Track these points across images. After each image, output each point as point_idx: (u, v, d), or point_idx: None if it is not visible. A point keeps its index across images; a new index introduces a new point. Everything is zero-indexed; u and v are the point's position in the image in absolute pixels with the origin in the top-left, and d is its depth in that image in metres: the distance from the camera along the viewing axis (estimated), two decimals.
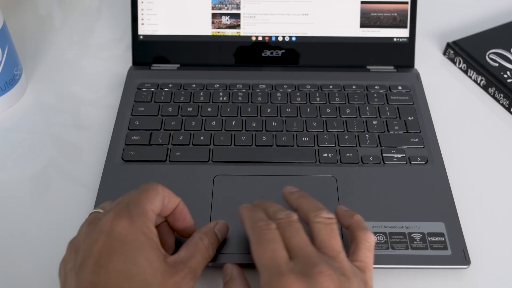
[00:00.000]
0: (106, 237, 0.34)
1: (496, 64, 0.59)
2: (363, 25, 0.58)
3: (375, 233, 0.43)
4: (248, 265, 0.42)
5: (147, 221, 0.35)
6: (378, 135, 0.51)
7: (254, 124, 0.52)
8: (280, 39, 0.58)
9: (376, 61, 0.58)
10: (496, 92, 0.57)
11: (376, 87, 0.56)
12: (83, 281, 0.32)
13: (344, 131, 0.51)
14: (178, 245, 0.40)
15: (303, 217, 0.38)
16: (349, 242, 0.39)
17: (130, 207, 0.35)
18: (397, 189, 0.46)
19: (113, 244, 0.33)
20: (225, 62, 0.59)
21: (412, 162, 0.49)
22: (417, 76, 0.58)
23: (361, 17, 0.58)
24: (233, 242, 0.42)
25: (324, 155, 0.49)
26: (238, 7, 0.58)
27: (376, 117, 0.53)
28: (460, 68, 0.61)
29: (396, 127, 0.52)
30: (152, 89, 0.56)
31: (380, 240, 0.42)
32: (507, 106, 0.56)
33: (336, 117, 0.53)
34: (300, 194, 0.40)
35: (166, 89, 0.56)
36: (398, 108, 0.54)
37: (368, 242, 0.37)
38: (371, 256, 0.37)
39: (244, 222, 0.38)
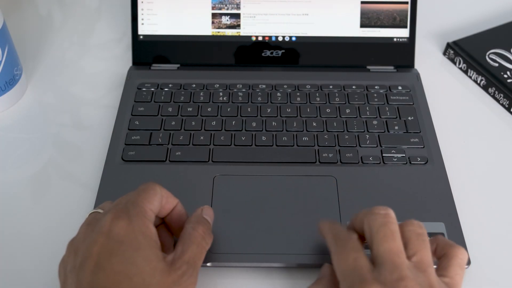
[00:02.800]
0: (105, 238, 0.34)
1: (496, 64, 0.59)
2: (363, 25, 0.58)
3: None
4: (249, 266, 0.42)
5: (146, 220, 0.35)
6: (378, 135, 0.51)
7: (254, 124, 0.52)
8: (280, 39, 0.58)
9: (376, 61, 0.58)
10: (496, 92, 0.57)
11: (376, 87, 0.56)
12: (82, 282, 0.32)
13: (344, 131, 0.51)
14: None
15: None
16: (440, 258, 0.37)
17: (128, 207, 0.35)
18: (397, 189, 0.46)
19: (111, 245, 0.33)
20: (225, 62, 0.59)
21: (412, 162, 0.49)
22: (417, 76, 0.58)
23: (361, 17, 0.58)
24: (234, 242, 0.42)
25: (324, 155, 0.49)
26: (238, 7, 0.58)
27: (376, 117, 0.53)
28: (460, 68, 0.61)
29: (396, 127, 0.52)
30: (152, 89, 0.56)
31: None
32: (507, 106, 0.56)
33: (336, 117, 0.53)
34: (357, 214, 0.38)
35: (166, 89, 0.56)
36: (398, 108, 0.54)
37: (461, 259, 0.36)
38: (462, 274, 0.35)
39: (325, 234, 0.37)
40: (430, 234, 0.43)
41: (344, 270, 0.34)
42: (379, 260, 0.33)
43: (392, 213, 0.35)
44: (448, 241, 0.38)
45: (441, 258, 0.37)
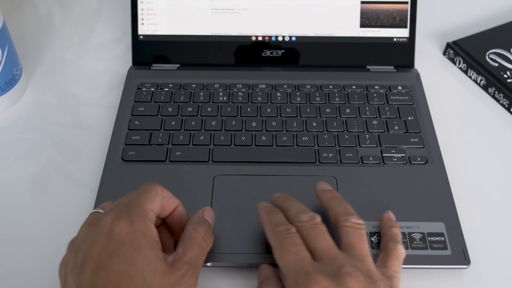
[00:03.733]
0: (105, 238, 0.34)
1: (496, 64, 0.59)
2: (363, 25, 0.58)
3: (375, 233, 0.43)
4: (250, 265, 0.42)
5: (147, 221, 0.35)
6: (378, 135, 0.51)
7: (254, 124, 0.52)
8: (280, 39, 0.58)
9: (376, 61, 0.58)
10: (496, 92, 0.57)
11: (376, 87, 0.56)
12: (83, 282, 0.32)
13: (344, 131, 0.51)
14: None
15: (332, 219, 0.39)
16: (380, 250, 0.40)
17: (129, 207, 0.35)
18: (397, 189, 0.46)
19: (112, 245, 0.33)
20: (225, 62, 0.59)
21: (412, 162, 0.49)
22: (417, 76, 0.58)
23: (361, 17, 0.58)
24: (234, 242, 0.42)
25: (324, 155, 0.49)
26: (238, 7, 0.58)
27: (376, 117, 0.53)
28: (460, 68, 0.61)
29: (396, 127, 0.52)
30: (152, 89, 0.56)
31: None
32: (507, 106, 0.56)
33: (336, 117, 0.53)
34: (333, 194, 0.41)
35: (166, 89, 0.56)
36: (398, 108, 0.54)
37: (397, 252, 0.38)
38: (399, 265, 0.38)
39: (264, 225, 0.39)
40: (430, 234, 0.43)
41: (287, 264, 0.35)
42: (318, 255, 0.35)
43: (317, 218, 0.38)
44: (393, 236, 0.40)
45: (380, 252, 0.39)
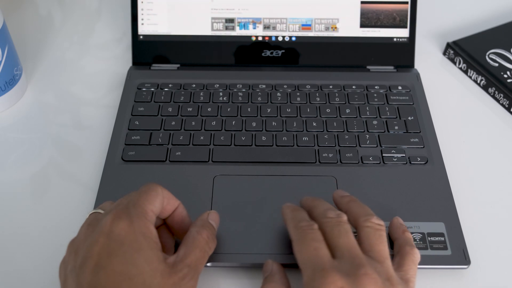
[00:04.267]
0: (105, 238, 0.34)
1: (496, 64, 0.59)
2: (363, 25, 0.58)
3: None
4: (250, 265, 0.42)
5: (147, 221, 0.35)
6: (378, 135, 0.51)
7: (254, 124, 0.52)
8: (280, 39, 0.58)
9: (376, 61, 0.58)
10: (496, 92, 0.57)
11: (376, 87, 0.56)
12: (82, 282, 0.32)
13: (344, 131, 0.51)
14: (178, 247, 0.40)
15: (352, 221, 0.38)
16: (394, 254, 0.39)
17: (129, 208, 0.35)
18: (397, 189, 0.46)
19: (112, 245, 0.33)
20: (225, 62, 0.59)
21: (412, 162, 0.49)
22: (417, 76, 0.58)
23: (361, 17, 0.58)
24: (233, 242, 0.42)
25: (324, 155, 0.49)
26: (238, 7, 0.58)
27: (376, 117, 0.53)
28: (460, 68, 0.61)
29: (396, 127, 0.52)
30: (152, 89, 0.56)
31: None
32: (507, 106, 0.56)
33: (336, 117, 0.53)
34: (351, 198, 0.41)
35: (166, 89, 0.56)
36: (398, 108, 0.54)
37: (414, 256, 0.38)
38: (415, 269, 0.38)
39: (286, 222, 0.39)
40: (430, 234, 0.43)
41: (305, 259, 0.35)
42: (338, 253, 0.35)
43: (344, 217, 0.37)
44: (407, 240, 0.40)
45: (395, 256, 0.39)
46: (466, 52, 0.61)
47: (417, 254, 0.38)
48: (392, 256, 0.39)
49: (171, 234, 0.41)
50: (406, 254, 0.38)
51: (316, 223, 0.37)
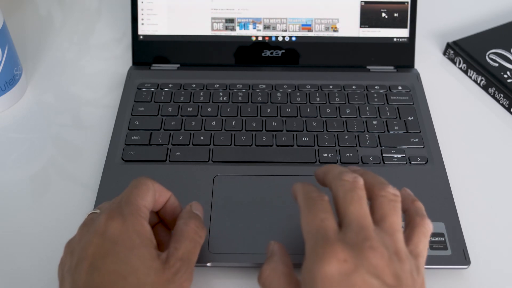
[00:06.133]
0: (99, 238, 0.34)
1: (496, 64, 0.59)
2: (363, 25, 0.58)
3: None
4: (250, 265, 0.42)
5: (140, 218, 0.35)
6: (378, 135, 0.51)
7: (254, 124, 0.52)
8: (280, 39, 0.58)
9: (376, 61, 0.58)
10: (496, 92, 0.57)
11: (376, 87, 0.56)
12: (78, 283, 0.32)
13: (344, 131, 0.51)
14: None
15: (366, 191, 0.35)
16: (405, 226, 0.36)
17: (122, 206, 0.35)
18: (397, 189, 0.46)
19: (106, 245, 0.33)
20: (225, 62, 0.59)
21: (412, 162, 0.49)
22: (417, 76, 0.58)
23: (361, 17, 0.58)
24: (233, 242, 0.42)
25: (324, 155, 0.49)
26: (238, 7, 0.58)
27: (376, 117, 0.53)
28: (460, 68, 0.61)
29: (396, 127, 0.52)
30: (152, 89, 0.56)
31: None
32: (507, 106, 0.56)
33: (336, 117, 0.53)
34: (365, 170, 0.38)
35: (166, 89, 0.56)
36: (398, 108, 0.54)
37: (425, 228, 0.35)
38: (426, 242, 0.35)
39: (297, 194, 0.36)
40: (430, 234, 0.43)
41: (310, 229, 0.33)
42: (346, 222, 0.33)
43: (360, 180, 0.35)
44: (417, 210, 0.37)
45: (406, 228, 0.36)
46: (466, 52, 0.61)
47: (428, 225, 0.36)
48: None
49: (168, 230, 0.41)
50: (416, 226, 0.35)
51: (330, 187, 0.35)
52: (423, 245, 0.35)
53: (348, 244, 0.31)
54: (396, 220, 0.34)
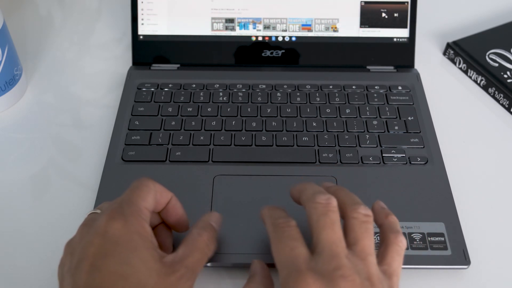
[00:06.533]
0: (100, 239, 0.33)
1: (496, 64, 0.59)
2: (363, 25, 0.58)
3: (375, 233, 0.42)
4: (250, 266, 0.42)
5: (141, 220, 0.35)
6: (378, 135, 0.51)
7: (254, 124, 0.52)
8: (280, 39, 0.58)
9: (376, 61, 0.58)
10: (496, 92, 0.57)
11: (376, 87, 0.56)
12: (78, 283, 0.32)
13: (344, 131, 0.51)
14: (176, 245, 0.40)
15: (340, 210, 0.36)
16: (379, 242, 0.37)
17: (123, 207, 0.35)
18: (397, 189, 0.46)
19: (107, 246, 0.33)
20: (225, 62, 0.59)
21: (412, 162, 0.49)
22: (417, 76, 0.58)
23: (361, 17, 0.58)
24: (234, 242, 0.42)
25: (324, 155, 0.49)
26: (238, 7, 0.58)
27: (376, 117, 0.53)
28: (460, 68, 0.61)
29: (396, 127, 0.52)
30: (152, 89, 0.56)
31: (380, 240, 0.42)
32: (507, 106, 0.56)
33: (336, 117, 0.53)
34: (338, 187, 0.38)
35: (166, 89, 0.56)
36: (398, 108, 0.54)
37: (399, 246, 0.35)
38: (400, 260, 0.35)
39: (265, 221, 0.37)
40: (430, 234, 0.43)
41: (281, 259, 0.33)
42: (318, 249, 0.33)
43: (333, 202, 0.35)
44: (391, 226, 0.37)
45: (380, 245, 0.36)
46: (466, 52, 0.61)
47: (401, 242, 0.36)
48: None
49: (169, 232, 0.40)
50: (389, 244, 0.35)
51: (305, 208, 0.35)
52: (397, 264, 0.35)
53: (319, 273, 0.31)
54: (368, 243, 0.34)
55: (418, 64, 0.59)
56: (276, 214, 0.37)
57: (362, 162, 0.49)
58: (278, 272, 0.33)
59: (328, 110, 0.53)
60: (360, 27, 0.58)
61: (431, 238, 0.43)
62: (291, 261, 0.33)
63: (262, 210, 0.38)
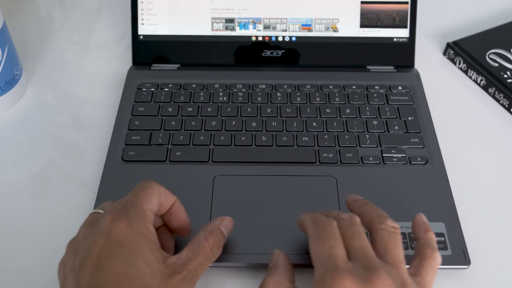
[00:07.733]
0: (104, 239, 0.34)
1: (496, 64, 0.59)
2: (363, 25, 0.58)
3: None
4: (250, 265, 0.42)
5: (146, 221, 0.35)
6: (378, 135, 0.51)
7: (254, 124, 0.52)
8: (280, 39, 0.58)
9: (376, 61, 0.58)
10: (496, 92, 0.57)
11: (376, 87, 0.56)
12: (82, 283, 0.32)
13: (344, 131, 0.51)
14: (179, 248, 0.40)
15: (366, 224, 0.37)
16: (414, 256, 0.37)
17: (128, 208, 0.35)
18: (397, 189, 0.46)
19: (111, 246, 0.33)
20: (225, 62, 0.59)
21: (412, 162, 0.49)
22: (417, 76, 0.58)
23: (361, 17, 0.58)
24: (234, 242, 0.42)
25: (324, 155, 0.49)
26: (238, 8, 0.58)
27: (376, 117, 0.53)
28: (460, 68, 0.61)
29: (396, 127, 0.52)
30: (152, 89, 0.56)
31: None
32: (507, 106, 0.56)
33: (336, 117, 0.53)
34: (365, 201, 0.39)
35: (166, 89, 0.56)
36: (398, 108, 0.54)
37: (434, 261, 0.36)
38: (433, 275, 0.36)
39: (305, 222, 0.37)
40: None
41: (320, 256, 0.34)
42: (352, 255, 0.34)
43: (357, 218, 0.36)
44: (428, 241, 0.37)
45: (415, 258, 0.37)
46: (466, 52, 0.61)
47: (437, 259, 0.36)
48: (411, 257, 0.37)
49: (171, 233, 0.41)
50: (426, 258, 0.36)
51: (335, 221, 0.36)
52: (430, 278, 0.35)
53: (357, 275, 0.32)
54: (398, 252, 0.35)
55: (418, 64, 0.59)
56: (318, 215, 0.37)
57: (362, 162, 0.49)
58: (314, 269, 0.33)
59: (328, 110, 0.53)
60: (360, 27, 0.58)
61: None
62: (330, 259, 0.33)
63: (302, 216, 0.38)
